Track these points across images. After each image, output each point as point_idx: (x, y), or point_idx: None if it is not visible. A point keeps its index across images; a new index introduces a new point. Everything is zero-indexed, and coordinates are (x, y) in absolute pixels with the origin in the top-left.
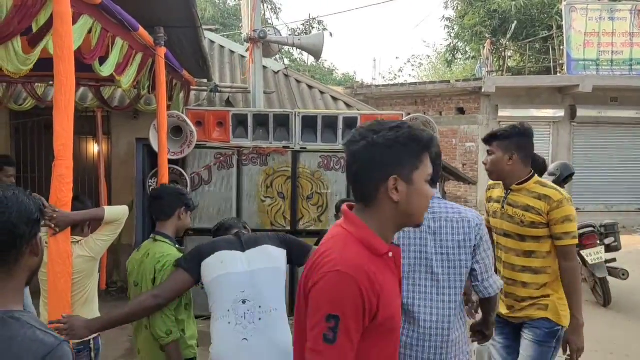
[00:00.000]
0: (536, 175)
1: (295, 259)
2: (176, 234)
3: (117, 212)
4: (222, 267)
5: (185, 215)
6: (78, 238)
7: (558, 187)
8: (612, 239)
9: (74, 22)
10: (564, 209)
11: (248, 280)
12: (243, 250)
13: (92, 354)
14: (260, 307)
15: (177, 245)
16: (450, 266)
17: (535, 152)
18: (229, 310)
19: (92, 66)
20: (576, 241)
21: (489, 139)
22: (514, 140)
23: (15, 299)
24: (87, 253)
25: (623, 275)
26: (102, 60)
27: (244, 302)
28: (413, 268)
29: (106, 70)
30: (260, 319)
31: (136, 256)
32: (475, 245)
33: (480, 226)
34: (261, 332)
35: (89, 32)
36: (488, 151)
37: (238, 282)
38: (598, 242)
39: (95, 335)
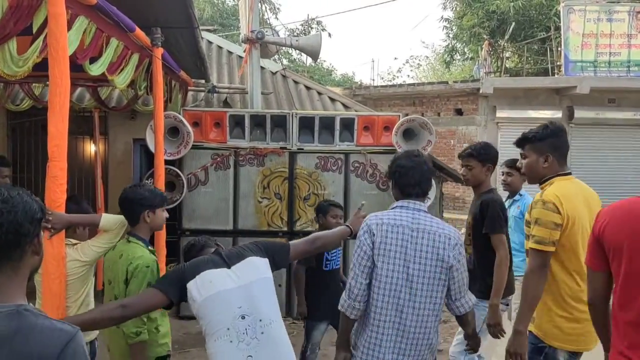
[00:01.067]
0: (566, 175)
1: (279, 262)
2: (152, 231)
3: (113, 221)
4: (211, 286)
5: (154, 215)
6: (74, 241)
7: (553, 190)
8: None
9: (71, 25)
10: (534, 211)
11: (242, 295)
12: (229, 267)
13: (89, 358)
14: (260, 320)
15: (149, 247)
16: (427, 276)
17: None
18: (228, 329)
19: (82, 65)
20: (538, 246)
21: (520, 142)
22: (547, 142)
23: (20, 295)
24: (81, 258)
25: None
26: (95, 60)
27: (243, 317)
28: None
29: (96, 69)
30: (262, 332)
31: (111, 255)
32: (451, 265)
33: (458, 246)
34: (265, 346)
35: (84, 33)
36: (521, 154)
37: (232, 298)
38: None
39: (92, 338)
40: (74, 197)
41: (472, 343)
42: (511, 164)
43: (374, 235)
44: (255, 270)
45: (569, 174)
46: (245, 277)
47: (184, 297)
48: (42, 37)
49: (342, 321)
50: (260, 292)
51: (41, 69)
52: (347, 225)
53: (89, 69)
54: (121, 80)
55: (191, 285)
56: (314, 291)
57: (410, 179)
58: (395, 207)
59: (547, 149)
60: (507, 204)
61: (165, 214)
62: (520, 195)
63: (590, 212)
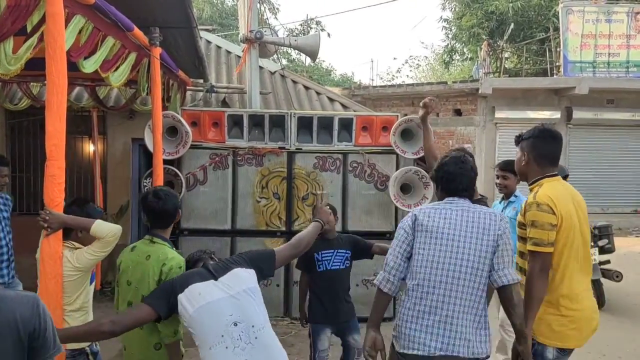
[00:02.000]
0: (554, 177)
1: (266, 271)
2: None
3: (104, 229)
4: (200, 298)
5: (179, 215)
6: (77, 245)
7: (545, 191)
8: (606, 240)
9: (66, 24)
10: (530, 213)
11: (232, 304)
12: (216, 279)
13: (90, 358)
14: (253, 326)
15: (174, 249)
16: (472, 249)
17: None
18: (222, 336)
19: (75, 62)
20: (537, 248)
21: (515, 140)
22: (529, 141)
23: None
24: (74, 262)
25: (617, 277)
26: (89, 58)
27: (235, 324)
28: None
29: (89, 67)
30: (256, 337)
31: (132, 256)
32: (498, 235)
33: (504, 221)
34: (260, 350)
35: (80, 31)
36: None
37: (222, 308)
38: (592, 244)
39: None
40: (79, 200)
41: (523, 348)
42: (505, 166)
43: (415, 216)
44: (241, 281)
45: (555, 175)
46: (233, 287)
47: (173, 310)
48: (36, 35)
49: (376, 297)
50: (248, 301)
51: (39, 68)
52: (317, 220)
53: (82, 66)
54: (116, 78)
55: (182, 298)
56: (312, 295)
57: (458, 184)
58: (441, 202)
59: (527, 148)
60: (502, 206)
61: None
62: (516, 196)
63: (578, 211)
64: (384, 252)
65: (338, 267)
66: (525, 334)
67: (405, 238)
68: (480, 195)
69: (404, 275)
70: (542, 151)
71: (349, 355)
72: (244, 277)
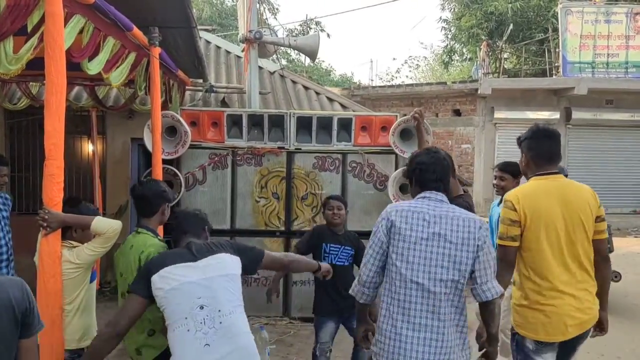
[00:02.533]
0: (546, 175)
1: (249, 266)
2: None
3: (105, 225)
4: (174, 279)
5: (167, 209)
6: (75, 244)
7: (518, 189)
8: None
9: (65, 23)
10: (502, 209)
11: (204, 287)
12: (195, 260)
13: None
14: (219, 310)
15: (158, 237)
16: (451, 261)
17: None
18: (186, 318)
19: (79, 64)
20: (502, 242)
21: (517, 142)
22: (525, 142)
23: None
24: (74, 260)
25: (615, 277)
26: (93, 59)
27: (201, 307)
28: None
29: (94, 68)
30: (221, 322)
31: (121, 249)
32: (477, 245)
33: (483, 229)
34: (223, 335)
35: (81, 32)
36: None
37: (193, 290)
38: None
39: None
40: (72, 199)
41: (491, 348)
42: (503, 167)
43: (391, 221)
44: (222, 266)
45: (550, 173)
46: (210, 270)
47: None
48: (36, 35)
49: (356, 305)
50: (223, 286)
51: (38, 68)
52: (319, 268)
53: (87, 68)
54: (115, 77)
55: (155, 278)
56: (317, 287)
57: (431, 174)
58: (417, 198)
59: (524, 149)
60: (500, 207)
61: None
62: None
63: (567, 209)
64: None
65: (343, 263)
66: (497, 338)
67: (379, 248)
68: (464, 191)
69: (379, 283)
70: (538, 150)
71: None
72: (227, 263)
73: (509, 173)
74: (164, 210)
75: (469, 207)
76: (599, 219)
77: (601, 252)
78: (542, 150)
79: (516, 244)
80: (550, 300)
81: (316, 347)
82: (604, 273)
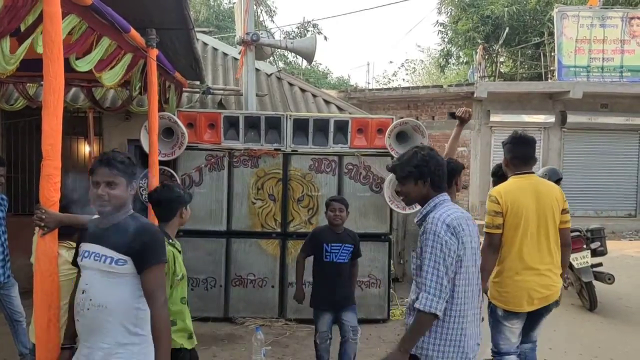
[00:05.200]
0: (523, 175)
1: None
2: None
3: None
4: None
5: (186, 211)
6: (74, 244)
7: (499, 186)
8: (598, 243)
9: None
10: (487, 202)
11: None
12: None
13: None
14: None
15: (170, 240)
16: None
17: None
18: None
19: (68, 60)
20: (489, 230)
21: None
22: (506, 147)
23: None
24: (71, 259)
25: (609, 279)
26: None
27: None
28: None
29: (83, 66)
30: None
31: None
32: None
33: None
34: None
35: (70, 32)
36: None
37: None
38: (584, 246)
39: None
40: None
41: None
42: (496, 170)
43: (457, 232)
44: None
45: (526, 173)
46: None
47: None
48: (32, 35)
49: (424, 322)
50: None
51: (35, 69)
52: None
53: (75, 65)
54: (109, 78)
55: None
56: (315, 281)
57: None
58: (443, 202)
59: (505, 152)
60: None
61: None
62: None
63: (539, 203)
64: (353, 275)
65: (343, 260)
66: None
67: (452, 258)
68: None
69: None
70: (515, 154)
71: (344, 331)
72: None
73: (499, 177)
74: (182, 212)
75: None
76: (564, 212)
77: (565, 238)
78: (519, 154)
79: (499, 231)
80: (520, 277)
81: (316, 335)
82: (565, 256)
